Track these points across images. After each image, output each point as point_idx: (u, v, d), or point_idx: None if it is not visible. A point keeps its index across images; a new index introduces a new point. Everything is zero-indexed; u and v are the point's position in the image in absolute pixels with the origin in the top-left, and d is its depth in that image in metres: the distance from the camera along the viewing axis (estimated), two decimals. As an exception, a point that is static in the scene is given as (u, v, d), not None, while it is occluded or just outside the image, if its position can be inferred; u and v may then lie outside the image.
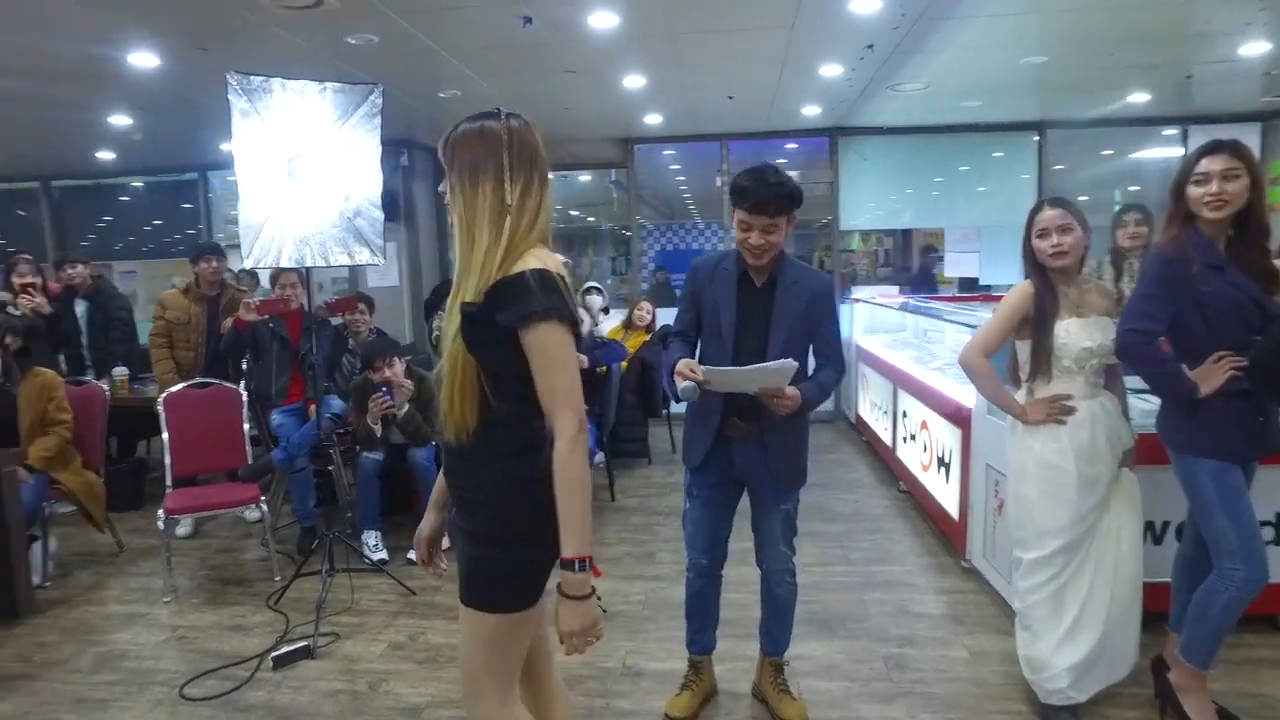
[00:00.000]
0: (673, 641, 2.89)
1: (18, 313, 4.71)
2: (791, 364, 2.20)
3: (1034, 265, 2.52)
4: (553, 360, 1.52)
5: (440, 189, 1.65)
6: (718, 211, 7.63)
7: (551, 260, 1.55)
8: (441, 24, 4.08)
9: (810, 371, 2.41)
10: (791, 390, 2.23)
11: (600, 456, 5.11)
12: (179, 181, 8.77)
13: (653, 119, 6.60)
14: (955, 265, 7.30)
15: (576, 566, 1.50)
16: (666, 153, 7.90)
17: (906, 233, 8.03)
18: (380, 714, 2.69)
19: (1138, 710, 2.55)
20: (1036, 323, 2.47)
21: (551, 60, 4.69)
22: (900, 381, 5.03)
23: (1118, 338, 2.33)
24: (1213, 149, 2.28)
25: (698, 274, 2.49)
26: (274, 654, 3.06)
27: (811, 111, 6.43)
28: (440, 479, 1.78)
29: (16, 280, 5.08)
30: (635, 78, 5.18)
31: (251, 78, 3.21)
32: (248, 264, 3.40)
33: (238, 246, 3.56)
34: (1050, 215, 2.46)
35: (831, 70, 5.12)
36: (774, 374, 2.21)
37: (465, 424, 1.56)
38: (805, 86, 5.59)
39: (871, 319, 6.67)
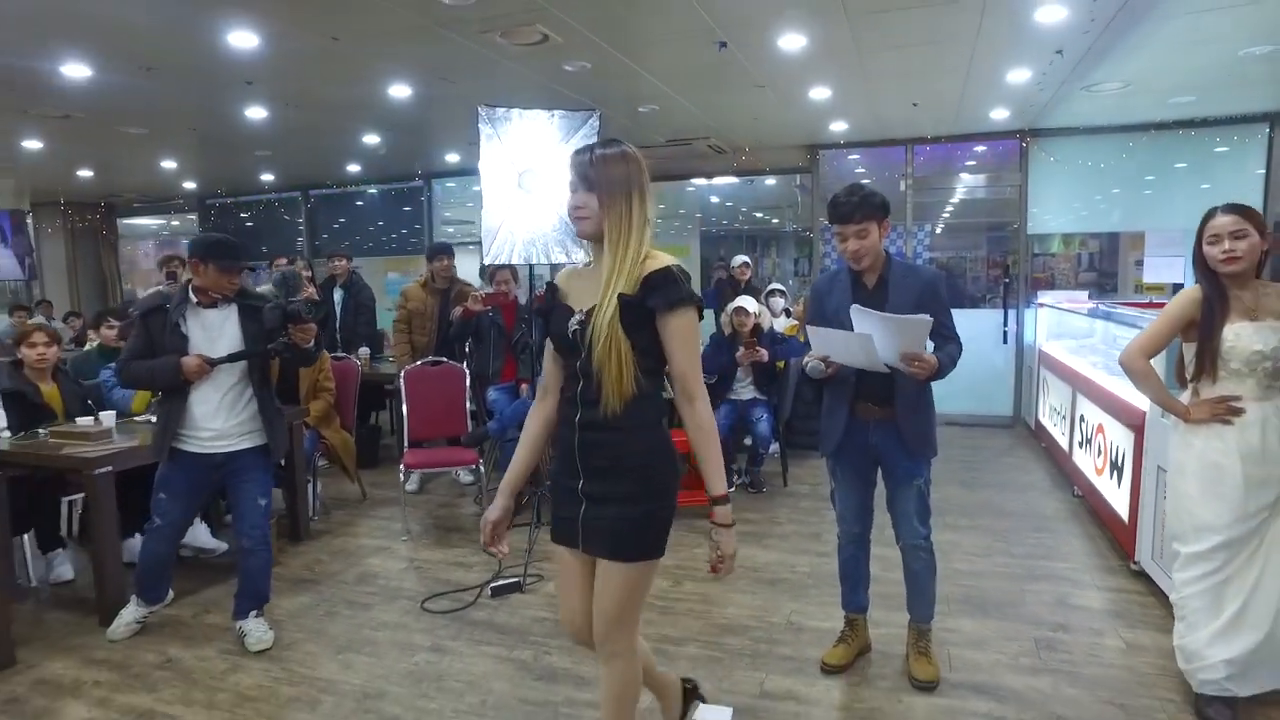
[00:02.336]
0: (832, 606, 3.19)
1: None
2: (928, 318, 2.48)
3: (1204, 270, 2.61)
4: (690, 338, 1.85)
5: (574, 202, 1.88)
6: (901, 215, 7.70)
7: (672, 258, 1.87)
8: (646, 50, 4.60)
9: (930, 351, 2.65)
10: (930, 356, 2.51)
11: (775, 446, 5.46)
12: (407, 188, 10.03)
13: (838, 126, 6.83)
14: (1156, 270, 6.94)
15: (728, 500, 1.86)
16: (851, 157, 8.06)
17: (1114, 236, 7.65)
18: (563, 653, 3.21)
19: (1301, 712, 2.57)
20: (1203, 326, 2.56)
21: (742, 77, 5.09)
22: (1079, 386, 4.99)
23: None
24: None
25: (817, 291, 2.83)
26: (492, 585, 3.69)
27: (1000, 115, 6.41)
28: (515, 468, 2.07)
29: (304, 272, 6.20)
30: (821, 90, 5.48)
31: (496, 109, 3.86)
32: (486, 260, 4.08)
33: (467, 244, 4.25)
34: (1223, 221, 2.54)
35: (1019, 75, 5.15)
36: (916, 325, 2.49)
37: (627, 395, 1.81)
38: (992, 92, 5.63)
39: (1059, 324, 6.52)
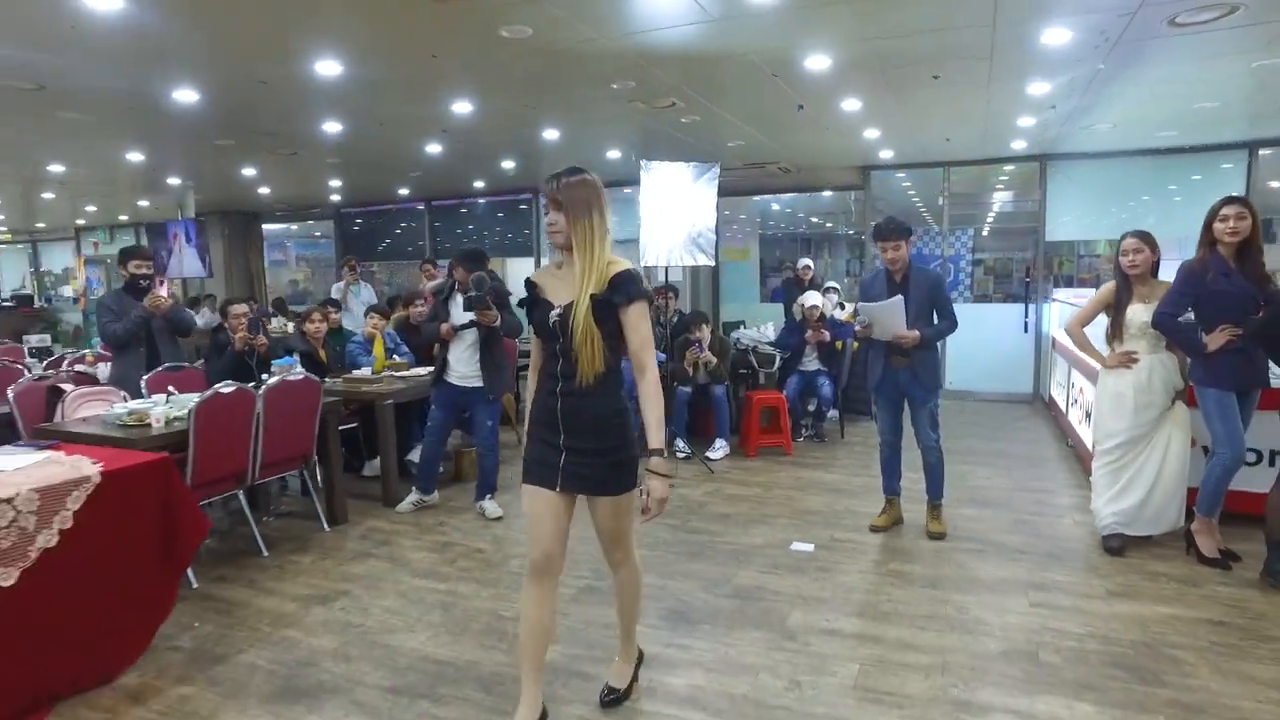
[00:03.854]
0: (877, 501, 4.77)
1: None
2: (898, 299, 4.09)
3: (1118, 271, 4.15)
4: (643, 324, 2.33)
5: (548, 219, 2.34)
6: (939, 222, 9.22)
7: (629, 263, 2.36)
8: (742, 109, 6.25)
9: (934, 322, 4.23)
10: (912, 333, 4.11)
11: (834, 413, 7.07)
12: (514, 200, 11.80)
13: (885, 154, 8.40)
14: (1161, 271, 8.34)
15: (664, 453, 2.34)
16: (898, 175, 9.59)
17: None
18: (702, 520, 4.88)
19: (1174, 548, 4.10)
20: (1115, 307, 4.13)
21: (811, 123, 6.69)
22: (1072, 361, 6.50)
23: (1154, 316, 3.95)
24: (1230, 201, 3.83)
25: (864, 283, 4.45)
26: (642, 487, 5.38)
27: (1019, 145, 7.90)
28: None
29: (431, 271, 7.98)
30: (872, 131, 7.07)
31: (651, 162, 5.56)
32: (644, 262, 5.78)
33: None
34: (1129, 243, 4.09)
35: (1026, 121, 6.68)
36: (892, 307, 4.10)
37: (598, 369, 2.29)
38: (1007, 131, 7.15)
39: (1066, 316, 7.99)
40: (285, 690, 2.90)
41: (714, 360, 6.26)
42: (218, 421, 3.98)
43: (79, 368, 5.70)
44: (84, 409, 4.49)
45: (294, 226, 15.00)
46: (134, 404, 4.28)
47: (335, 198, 12.15)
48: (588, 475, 2.38)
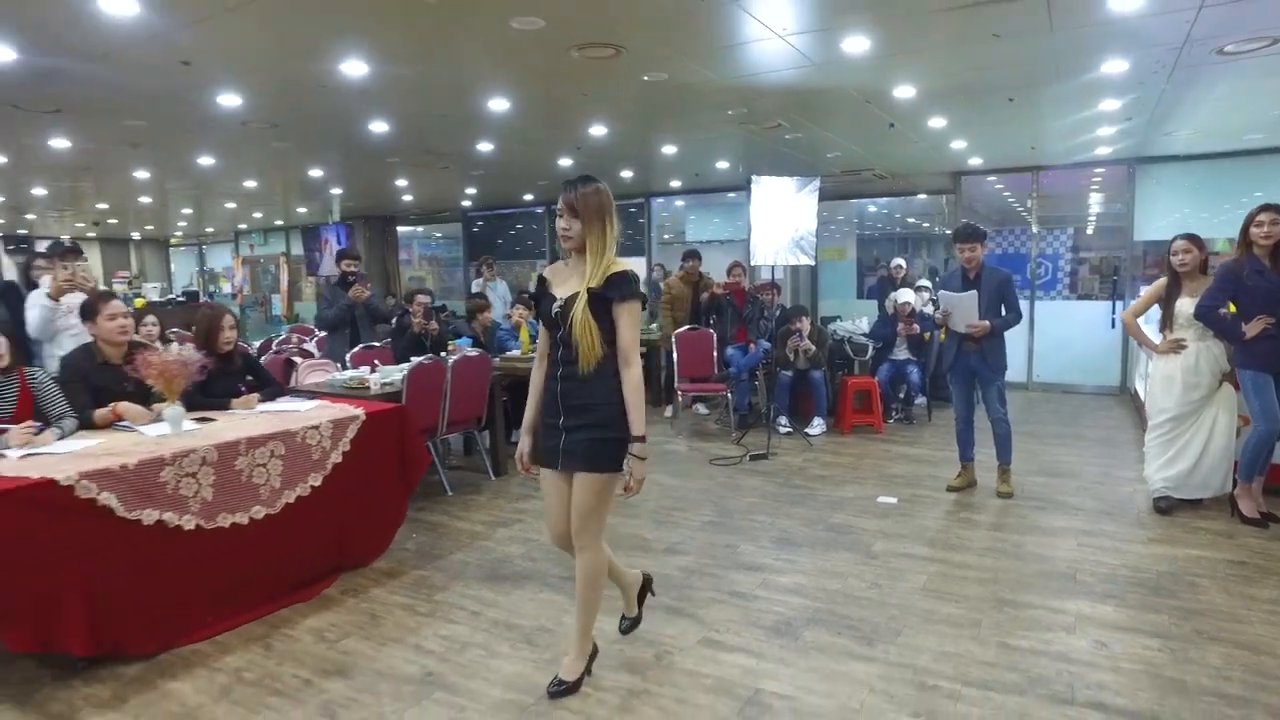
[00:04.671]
0: (953, 469, 5.54)
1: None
2: (972, 293, 4.85)
3: (1168, 268, 4.81)
4: (633, 321, 2.54)
5: (562, 224, 2.56)
6: (1027, 222, 9.76)
7: (628, 265, 2.59)
8: (841, 128, 7.07)
9: (1002, 314, 4.97)
10: (983, 322, 4.86)
11: (922, 399, 7.80)
12: (625, 205, 12.86)
13: (975, 160, 9.02)
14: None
15: (644, 440, 2.54)
16: (990, 178, 10.13)
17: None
18: (802, 479, 5.76)
19: (1220, 512, 4.73)
20: (1165, 301, 4.79)
21: (903, 137, 7.44)
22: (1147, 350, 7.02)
23: (1195, 308, 4.59)
24: (1266, 208, 4.45)
25: (943, 281, 5.20)
26: (751, 454, 6.30)
27: (1104, 151, 8.40)
28: (529, 414, 2.75)
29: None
30: (959, 142, 7.76)
31: (760, 176, 6.48)
32: (753, 261, 6.70)
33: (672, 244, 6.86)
34: (1179, 244, 4.74)
35: (1105, 130, 7.23)
36: (967, 299, 4.86)
37: (594, 358, 2.50)
38: (1090, 138, 7.69)
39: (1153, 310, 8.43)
40: (492, 575, 3.97)
41: (813, 348, 7.10)
42: (421, 385, 5.13)
43: (305, 346, 7.06)
44: (312, 376, 5.75)
45: (420, 229, 16.57)
46: (351, 372, 5.50)
47: (466, 203, 13.51)
48: (574, 452, 2.58)
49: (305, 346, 7.05)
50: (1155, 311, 4.97)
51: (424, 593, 3.77)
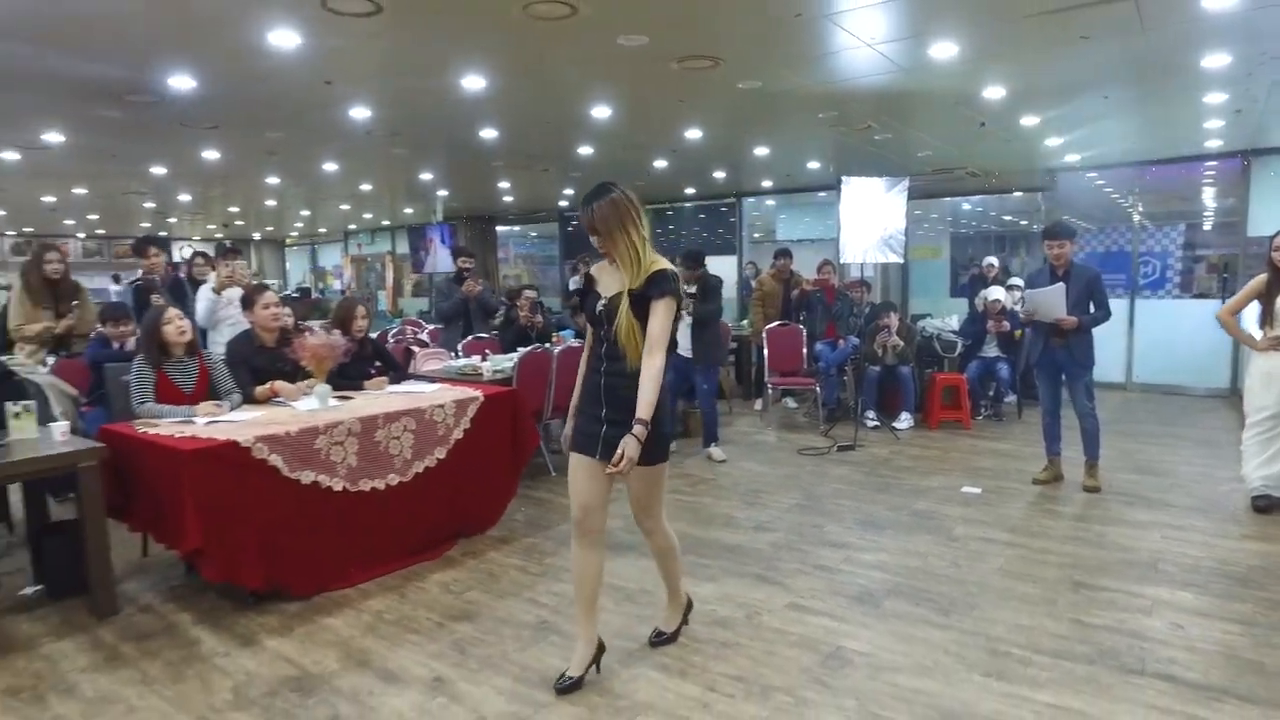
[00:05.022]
0: (1042, 462, 5.62)
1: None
2: (1060, 286, 4.91)
3: (1269, 264, 4.79)
4: (665, 315, 2.59)
5: (594, 242, 2.66)
6: (1129, 218, 9.56)
7: (667, 262, 2.65)
8: (931, 129, 7.19)
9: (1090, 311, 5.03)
10: (1071, 318, 4.93)
11: (1013, 397, 7.81)
12: (718, 204, 13.13)
13: (1072, 157, 8.92)
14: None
15: (647, 426, 2.54)
16: (1089, 175, 9.95)
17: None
18: (888, 469, 5.94)
19: (1317, 509, 4.70)
20: (1266, 297, 4.78)
21: (995, 135, 7.49)
22: (1254, 351, 6.87)
23: None
24: None
25: (1029, 277, 5.28)
26: (838, 445, 6.52)
27: (1214, 144, 8.18)
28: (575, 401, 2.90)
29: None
30: (1054, 139, 7.73)
31: (850, 177, 6.69)
32: (842, 259, 6.91)
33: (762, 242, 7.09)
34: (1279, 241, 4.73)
35: (1215, 123, 7.09)
36: (1055, 294, 4.93)
37: (637, 355, 2.60)
38: (1197, 131, 7.53)
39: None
40: (596, 545, 4.36)
41: (901, 344, 7.25)
42: (530, 372, 5.58)
43: (420, 336, 7.68)
44: (428, 364, 6.29)
45: (517, 228, 17.26)
46: (464, 360, 6.01)
47: (563, 203, 14.06)
48: (617, 445, 2.61)
49: (420, 337, 7.65)
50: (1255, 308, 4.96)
51: (535, 557, 4.19)
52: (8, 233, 17.20)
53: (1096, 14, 4.21)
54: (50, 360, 5.32)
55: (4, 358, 4.91)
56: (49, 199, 11.97)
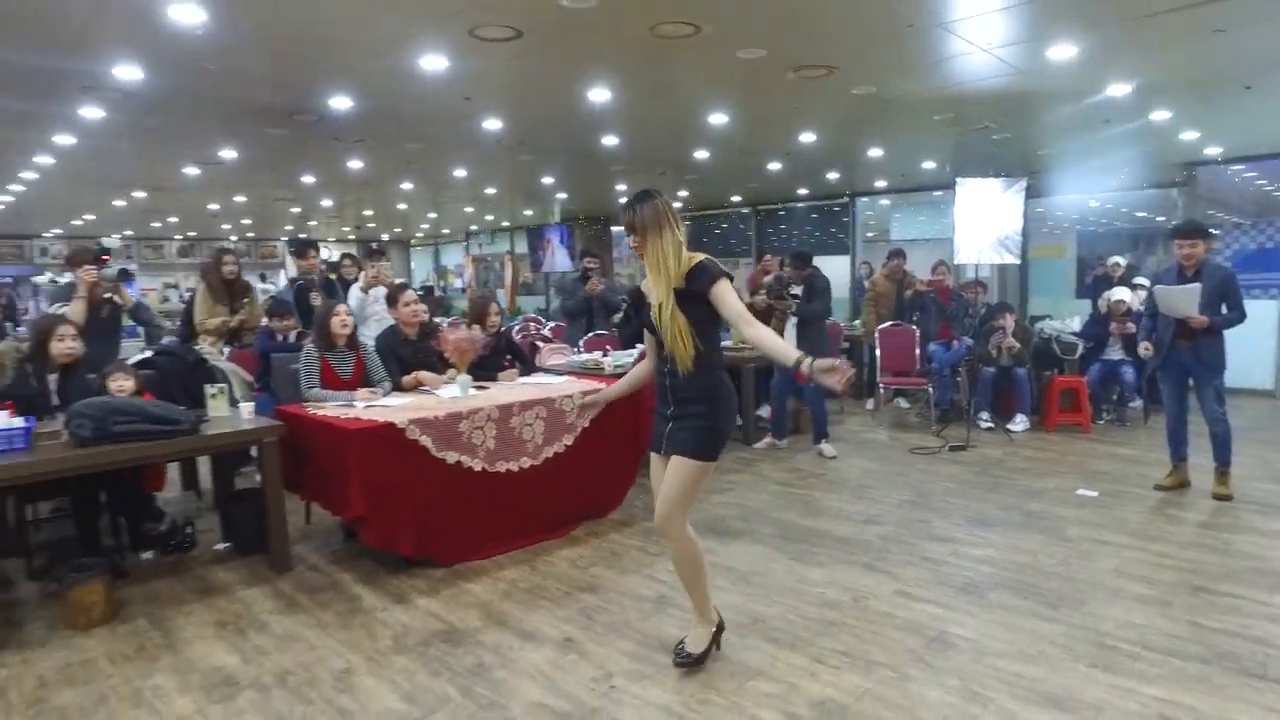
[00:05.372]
0: (1167, 467, 5.48)
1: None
2: (1196, 286, 4.77)
3: None
4: (729, 295, 2.66)
5: (629, 241, 2.79)
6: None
7: (703, 255, 2.73)
8: (1051, 124, 7.06)
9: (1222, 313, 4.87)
10: (1202, 317, 4.78)
11: (1139, 402, 7.55)
12: (831, 204, 13.12)
13: (1212, 150, 8.50)
14: None
15: (804, 358, 2.53)
16: (1233, 168, 9.42)
17: None
18: (1001, 470, 5.92)
19: None
20: None
21: (1121, 129, 7.26)
22: None
23: None
24: None
25: (1157, 275, 5.14)
26: (950, 445, 6.53)
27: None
28: (617, 388, 3.33)
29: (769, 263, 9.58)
30: (1191, 132, 7.42)
31: (966, 179, 6.68)
32: (956, 259, 6.91)
33: (876, 242, 7.10)
34: None
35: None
36: (1189, 292, 4.80)
37: (687, 356, 2.68)
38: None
39: None
40: (710, 530, 4.61)
41: (1016, 345, 7.16)
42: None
43: (543, 332, 8.16)
44: (552, 358, 6.70)
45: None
46: (586, 355, 6.38)
47: (676, 204, 14.35)
48: (676, 438, 2.80)
49: (543, 333, 8.12)
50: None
51: (652, 539, 4.49)
52: (175, 236, 18.98)
53: (1231, 7, 4.13)
54: (226, 350, 6.03)
55: (197, 347, 5.62)
56: (213, 206, 13.22)
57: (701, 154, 8.48)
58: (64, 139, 6.89)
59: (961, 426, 6.98)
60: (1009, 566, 3.95)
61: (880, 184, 11.38)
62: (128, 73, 4.88)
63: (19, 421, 3.50)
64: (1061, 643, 3.16)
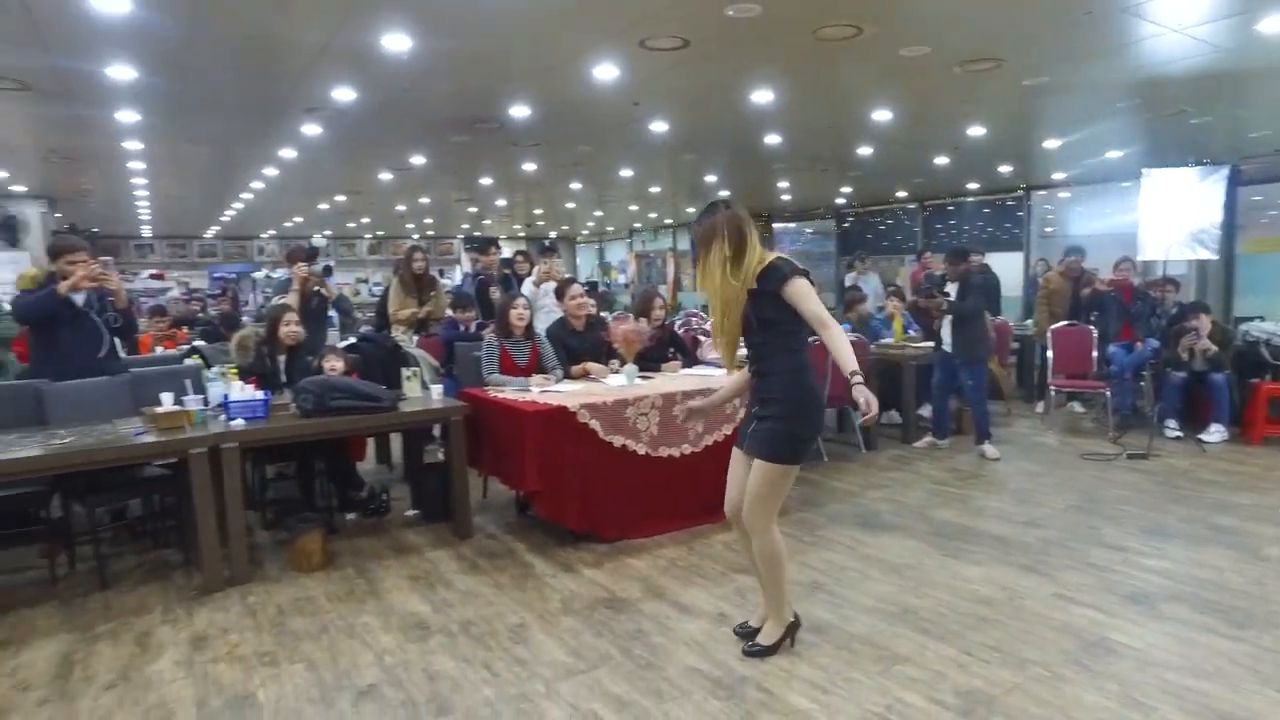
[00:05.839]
0: None
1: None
2: None
3: None
4: (807, 293, 2.66)
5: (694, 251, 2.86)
6: None
7: (775, 255, 2.76)
8: (1263, 104, 6.45)
9: None
10: None
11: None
12: (1004, 198, 12.48)
13: None
14: None
15: (859, 373, 2.63)
16: None
17: None
18: (1187, 481, 5.51)
19: None
20: None
21: None
22: None
23: None
24: None
25: None
26: (1128, 453, 6.15)
27: None
28: (721, 395, 3.21)
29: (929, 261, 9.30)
30: None
31: (1153, 169, 6.27)
32: (1140, 256, 6.49)
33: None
34: None
35: None
36: None
37: (729, 356, 2.89)
38: None
39: None
40: (864, 524, 4.67)
41: (1213, 349, 6.60)
42: (803, 363, 5.97)
43: (705, 327, 8.40)
44: (712, 352, 6.90)
45: (792, 225, 17.56)
46: (744, 350, 6.53)
47: (839, 200, 14.19)
48: (755, 438, 2.85)
49: (705, 327, 8.33)
50: None
51: (806, 529, 4.60)
52: (366, 235, 20.83)
53: None
54: (414, 338, 6.68)
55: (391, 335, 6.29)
56: (401, 207, 14.45)
57: (864, 150, 8.39)
58: (287, 153, 7.85)
59: (1143, 434, 6.54)
60: (1187, 580, 3.75)
61: (1058, 175, 10.73)
62: (343, 94, 5.56)
63: (260, 394, 4.13)
64: (1246, 663, 2.99)
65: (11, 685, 3.01)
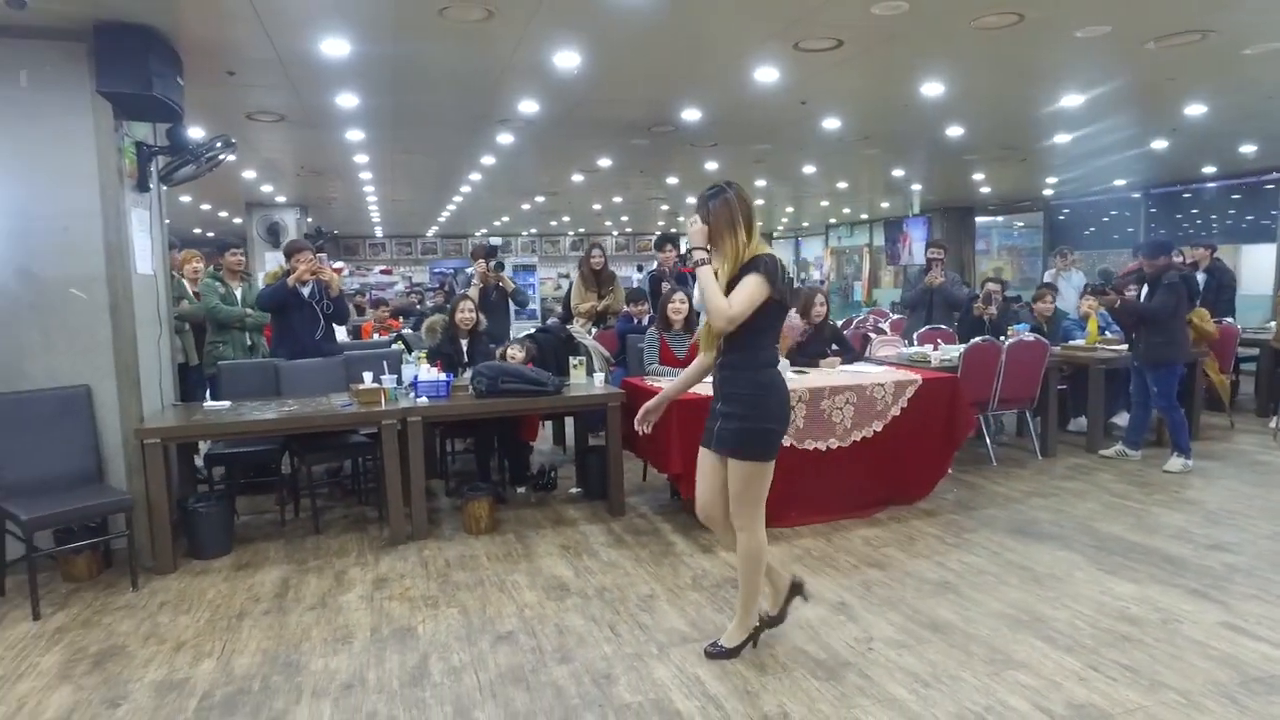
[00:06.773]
0: None
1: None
2: None
3: None
4: (748, 288, 2.60)
5: (692, 222, 2.72)
6: None
7: (767, 249, 2.71)
8: None
9: None
10: None
11: None
12: (1255, 183, 10.97)
13: None
14: None
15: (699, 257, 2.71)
16: None
17: None
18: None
19: None
20: None
21: None
22: None
23: None
24: None
25: None
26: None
27: None
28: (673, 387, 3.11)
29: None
30: None
31: None
32: None
33: None
34: None
35: None
36: None
37: (710, 347, 2.82)
38: None
39: None
40: (1018, 531, 4.47)
41: None
42: (976, 362, 5.76)
43: (881, 325, 8.30)
44: (883, 349, 6.81)
45: (999, 219, 16.46)
46: (915, 348, 6.39)
47: (1047, 192, 13.17)
48: (724, 437, 2.80)
49: (881, 326, 8.21)
50: None
51: (954, 530, 4.50)
52: (568, 233, 22.07)
53: None
54: (593, 330, 7.15)
55: (569, 326, 6.81)
56: (596, 206, 15.23)
57: (1063, 137, 7.80)
58: (487, 159, 8.66)
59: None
60: (1259, 580, 3.30)
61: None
62: (528, 107, 6.12)
63: (442, 376, 4.72)
64: None
65: (248, 597, 3.77)
